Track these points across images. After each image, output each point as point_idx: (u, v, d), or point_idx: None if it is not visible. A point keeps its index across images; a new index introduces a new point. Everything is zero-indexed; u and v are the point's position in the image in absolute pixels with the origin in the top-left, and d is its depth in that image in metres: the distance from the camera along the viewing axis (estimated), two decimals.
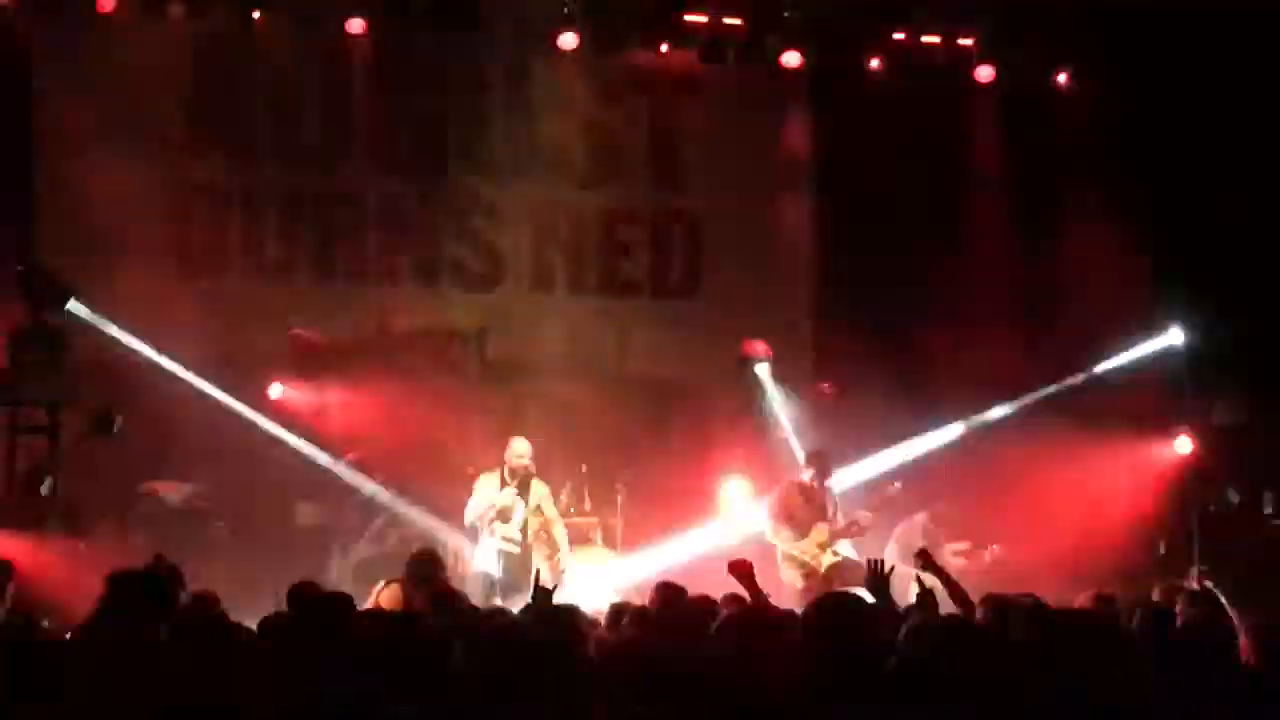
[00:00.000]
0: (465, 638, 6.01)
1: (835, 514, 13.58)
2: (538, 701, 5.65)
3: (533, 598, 7.90)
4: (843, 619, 5.93)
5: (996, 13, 16.46)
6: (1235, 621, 7.46)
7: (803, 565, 13.29)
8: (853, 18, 16.34)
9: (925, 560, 8.80)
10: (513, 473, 12.83)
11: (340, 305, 15.82)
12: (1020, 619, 7.82)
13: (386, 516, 14.47)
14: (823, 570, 13.23)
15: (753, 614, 7.38)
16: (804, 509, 13.46)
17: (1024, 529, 14.60)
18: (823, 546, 13.37)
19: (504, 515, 12.85)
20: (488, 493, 12.89)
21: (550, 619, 7.08)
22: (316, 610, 7.11)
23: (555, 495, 14.86)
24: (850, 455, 14.78)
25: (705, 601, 8.34)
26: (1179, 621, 7.84)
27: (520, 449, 12.84)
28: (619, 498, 14.71)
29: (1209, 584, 11.06)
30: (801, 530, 13.38)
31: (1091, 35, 15.95)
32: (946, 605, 8.35)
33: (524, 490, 12.89)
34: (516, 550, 12.82)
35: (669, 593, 8.60)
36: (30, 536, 12.20)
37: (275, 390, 14.76)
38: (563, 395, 15.62)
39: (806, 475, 13.74)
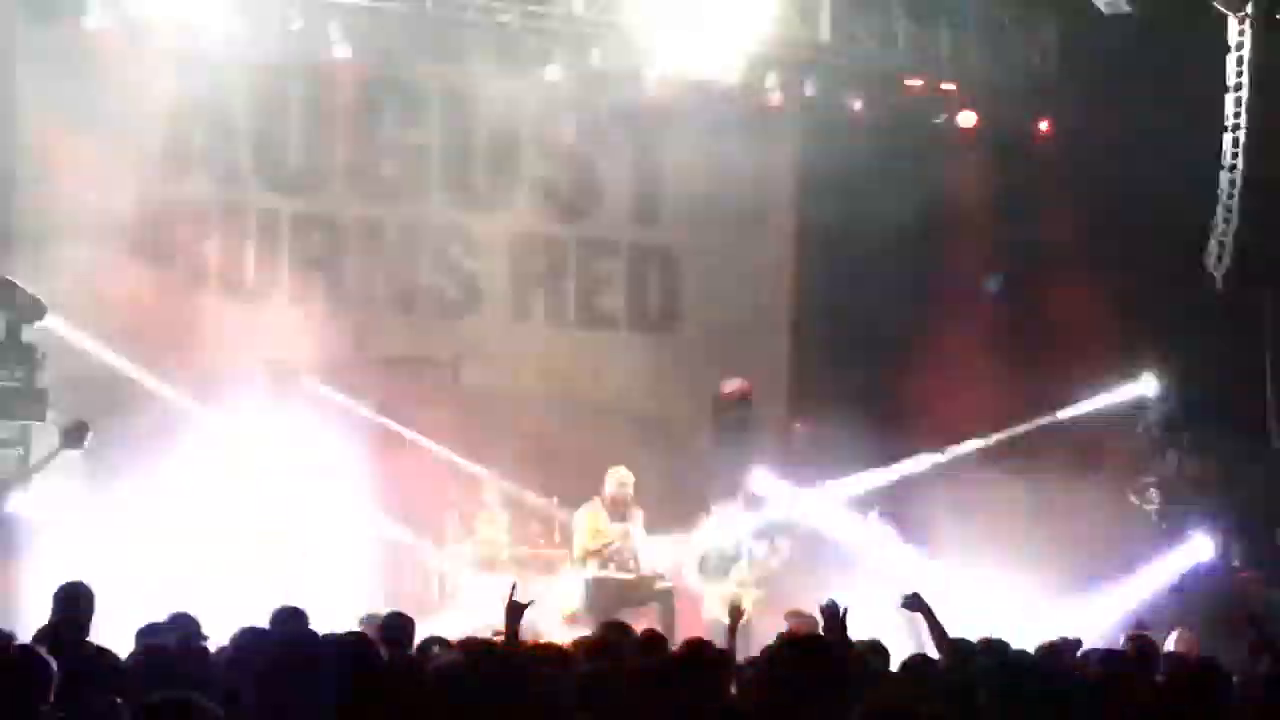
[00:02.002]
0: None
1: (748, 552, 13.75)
2: None
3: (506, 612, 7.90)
4: (805, 661, 5.93)
5: (979, 60, 16.54)
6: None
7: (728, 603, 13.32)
8: (837, 57, 16.39)
9: (914, 602, 8.78)
10: (614, 502, 13.50)
11: (317, 329, 15.77)
12: (984, 662, 7.89)
13: None
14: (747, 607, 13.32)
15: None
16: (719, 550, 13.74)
17: (991, 568, 14.66)
18: (744, 585, 13.47)
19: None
20: (591, 522, 13.57)
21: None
22: None
23: (523, 525, 14.99)
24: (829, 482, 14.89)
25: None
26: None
27: (621, 477, 13.52)
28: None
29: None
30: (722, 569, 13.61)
31: (1072, 85, 16.05)
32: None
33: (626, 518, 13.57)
34: (631, 577, 13.52)
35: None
36: None
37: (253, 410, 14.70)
38: (537, 426, 15.62)
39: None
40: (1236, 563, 15.36)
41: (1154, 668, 8.54)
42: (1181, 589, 10.72)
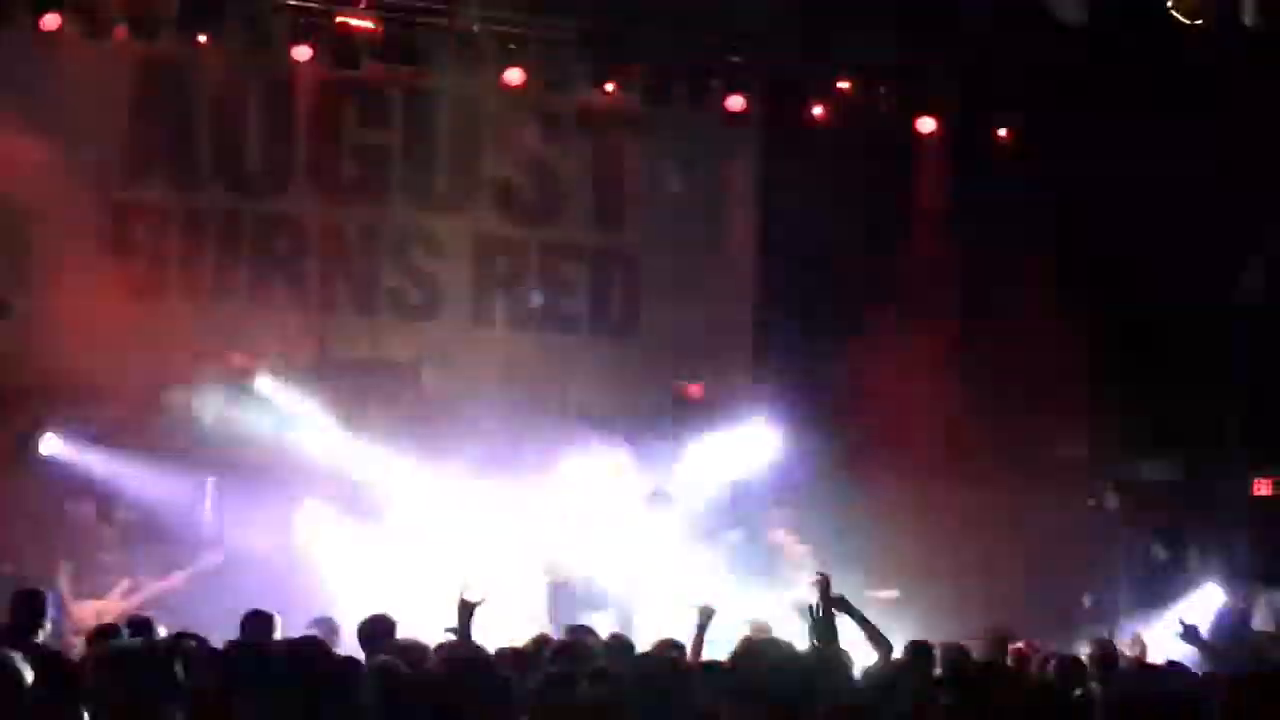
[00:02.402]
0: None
1: None
2: None
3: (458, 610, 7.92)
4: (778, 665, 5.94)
5: (940, 66, 16.58)
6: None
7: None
8: (798, 64, 16.42)
9: (841, 603, 8.84)
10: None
11: (278, 331, 15.71)
12: (946, 666, 7.95)
13: None
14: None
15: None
16: None
17: (951, 576, 14.72)
18: None
19: None
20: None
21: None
22: None
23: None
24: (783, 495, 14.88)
25: None
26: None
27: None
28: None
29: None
30: None
31: (1033, 93, 16.10)
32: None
33: None
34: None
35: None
36: None
37: (208, 414, 14.63)
38: (498, 429, 15.58)
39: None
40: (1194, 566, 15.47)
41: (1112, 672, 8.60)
42: (1209, 642, 10.71)
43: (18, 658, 6.14)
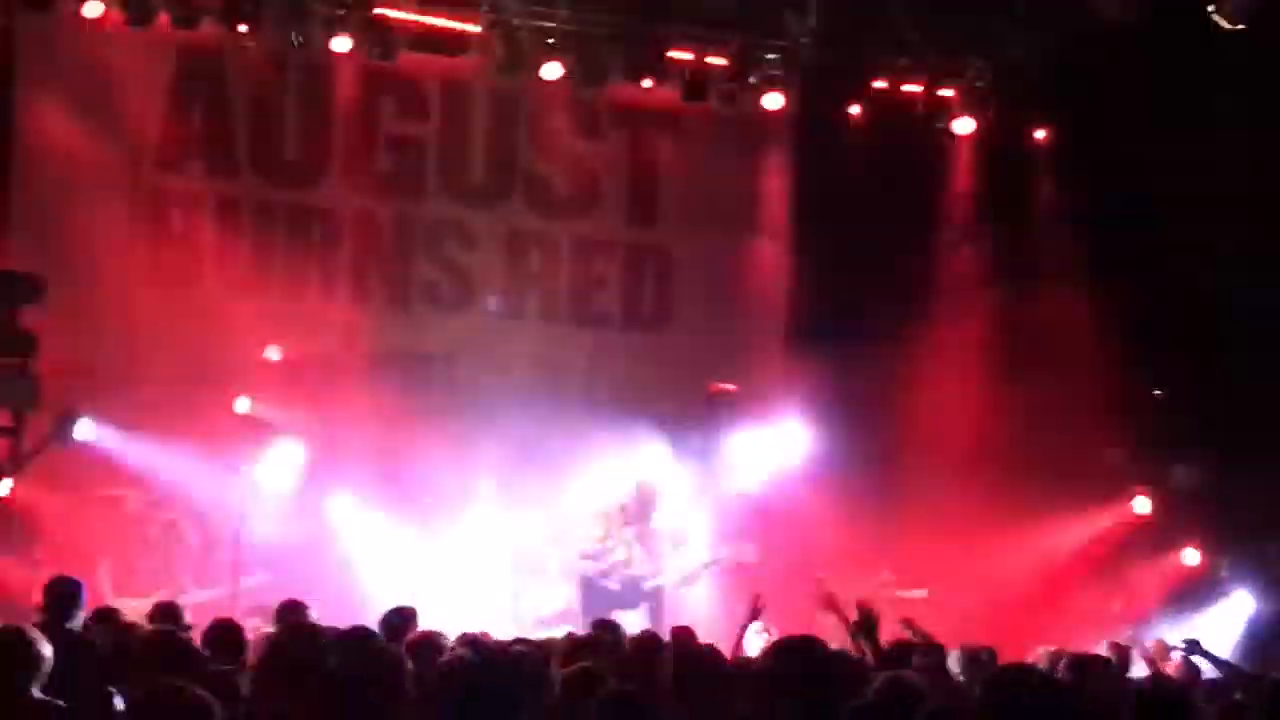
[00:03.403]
0: None
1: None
2: None
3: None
4: (808, 667, 5.91)
5: (978, 67, 16.55)
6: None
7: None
8: (836, 64, 16.40)
9: (828, 603, 8.87)
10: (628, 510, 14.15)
11: (312, 321, 15.75)
12: (974, 669, 7.96)
13: None
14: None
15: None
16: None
17: (982, 579, 14.71)
18: None
19: None
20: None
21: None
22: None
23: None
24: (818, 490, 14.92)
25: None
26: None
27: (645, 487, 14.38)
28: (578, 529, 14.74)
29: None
30: None
31: (1070, 96, 16.05)
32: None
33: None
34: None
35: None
36: None
37: (242, 404, 14.68)
38: (527, 422, 15.61)
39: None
40: (1225, 574, 15.41)
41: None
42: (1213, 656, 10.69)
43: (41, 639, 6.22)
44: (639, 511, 14.04)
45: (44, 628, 7.79)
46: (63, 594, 8.86)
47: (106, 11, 14.85)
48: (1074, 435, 15.23)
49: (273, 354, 14.89)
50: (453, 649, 8.29)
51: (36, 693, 6.12)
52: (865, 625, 8.04)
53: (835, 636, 8.23)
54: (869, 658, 8.05)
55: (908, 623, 9.56)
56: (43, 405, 13.48)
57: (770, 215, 17.00)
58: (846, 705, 5.83)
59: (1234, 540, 15.62)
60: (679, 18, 16.06)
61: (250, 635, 8.34)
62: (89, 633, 8.37)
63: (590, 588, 13.81)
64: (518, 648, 8.36)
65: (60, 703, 6.14)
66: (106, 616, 8.72)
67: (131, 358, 14.64)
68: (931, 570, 14.66)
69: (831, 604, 8.84)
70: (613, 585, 13.81)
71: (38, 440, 13.46)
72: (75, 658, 7.10)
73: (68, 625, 8.47)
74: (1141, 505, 15.49)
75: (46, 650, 6.19)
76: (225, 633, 8.08)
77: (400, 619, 9.18)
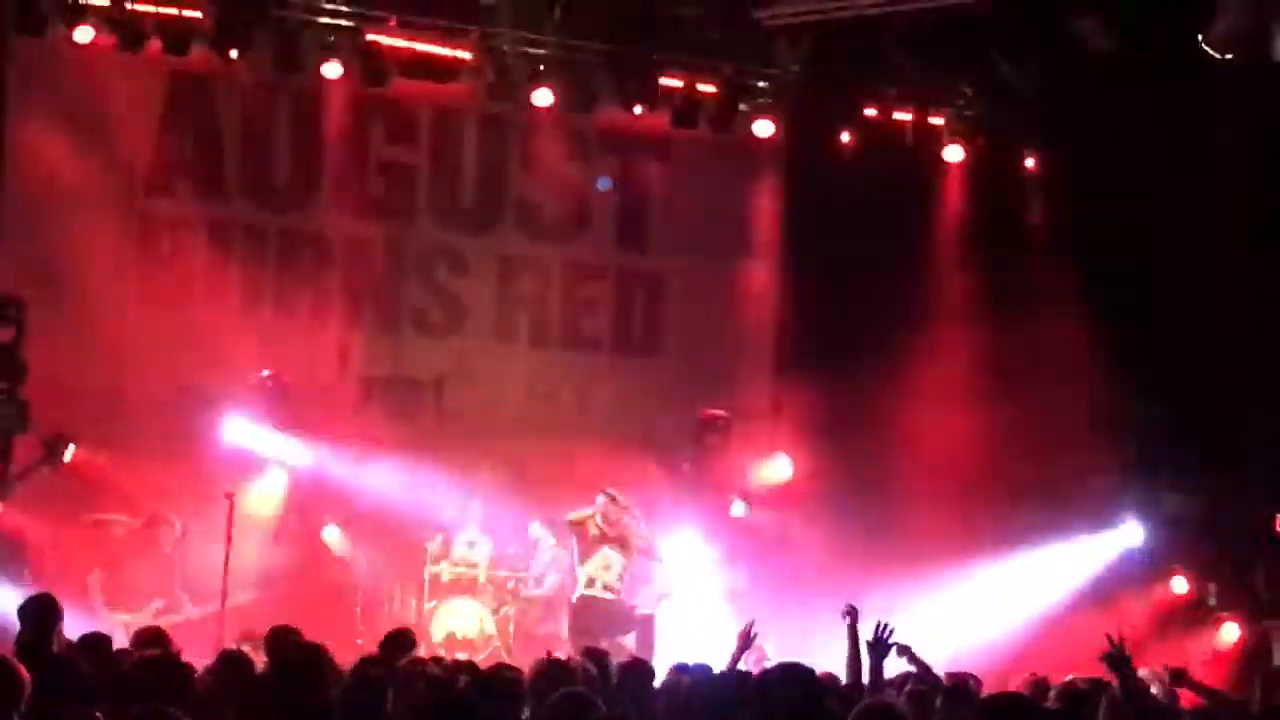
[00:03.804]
0: None
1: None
2: None
3: None
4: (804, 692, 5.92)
5: (968, 94, 16.60)
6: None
7: None
8: (826, 91, 16.45)
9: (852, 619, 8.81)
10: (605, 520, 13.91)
11: (302, 346, 15.75)
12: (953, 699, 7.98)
13: None
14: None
15: None
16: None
17: (971, 603, 14.71)
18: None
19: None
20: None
21: None
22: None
23: (503, 550, 15.04)
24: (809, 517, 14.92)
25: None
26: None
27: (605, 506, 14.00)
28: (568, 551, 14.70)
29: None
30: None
31: (1060, 122, 16.10)
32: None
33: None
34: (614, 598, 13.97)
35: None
36: None
37: (231, 428, 14.66)
38: (518, 448, 15.62)
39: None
40: (1213, 602, 15.43)
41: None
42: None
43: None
44: (629, 536, 13.99)
45: (25, 650, 7.80)
46: (36, 609, 8.78)
47: (98, 36, 14.88)
48: (1064, 462, 15.24)
49: (262, 378, 14.82)
50: (443, 673, 8.29)
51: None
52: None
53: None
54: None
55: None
56: (31, 429, 13.42)
57: (761, 241, 17.02)
58: None
59: (1221, 568, 15.62)
60: (670, 45, 16.08)
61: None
62: (73, 654, 8.32)
63: (579, 612, 13.77)
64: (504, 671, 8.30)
65: None
66: (94, 642, 8.67)
67: (120, 381, 14.64)
68: (920, 597, 14.62)
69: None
70: (602, 610, 13.77)
71: (26, 464, 13.42)
72: (57, 682, 7.08)
73: (46, 645, 8.41)
74: (1131, 533, 15.50)
75: (24, 676, 6.17)
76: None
77: (400, 642, 9.18)
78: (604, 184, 16.67)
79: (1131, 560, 15.34)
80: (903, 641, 9.07)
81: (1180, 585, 15.54)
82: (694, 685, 7.54)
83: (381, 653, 8.99)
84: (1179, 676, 10.02)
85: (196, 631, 11.93)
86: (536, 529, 15.07)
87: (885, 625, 8.17)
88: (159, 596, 13.34)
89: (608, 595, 13.87)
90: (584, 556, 13.95)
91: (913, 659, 9.42)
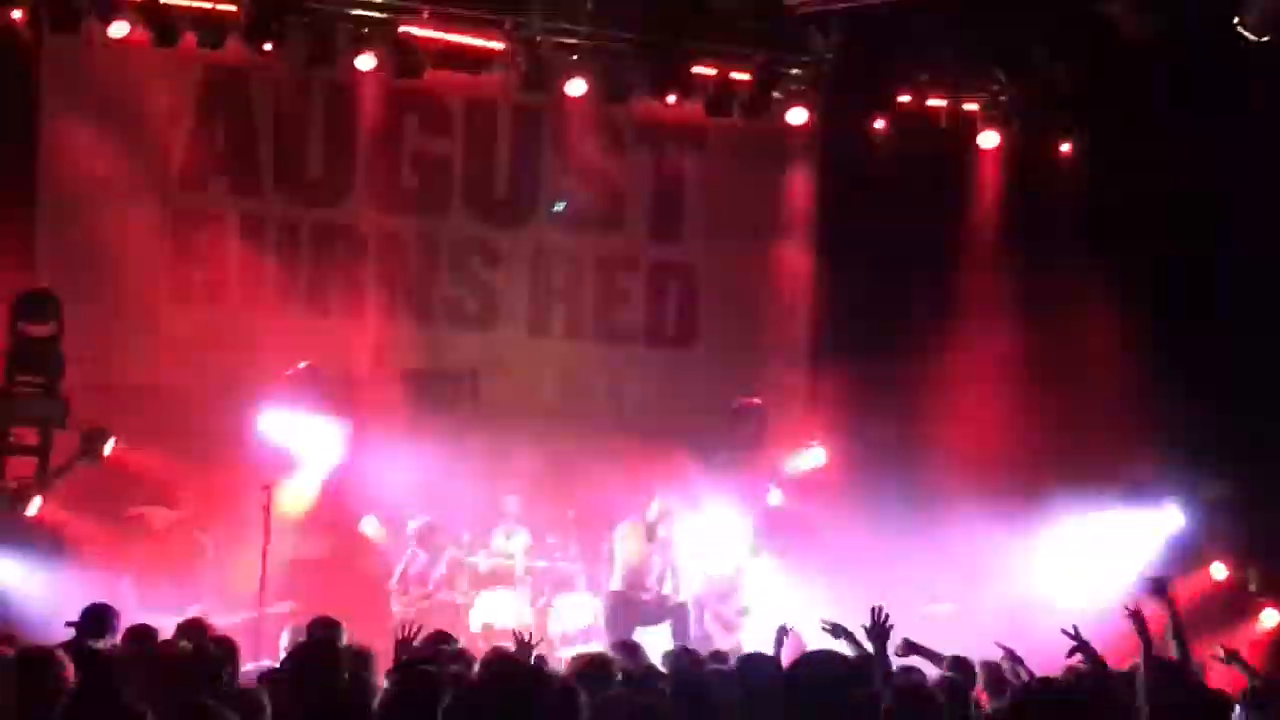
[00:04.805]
0: None
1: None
2: None
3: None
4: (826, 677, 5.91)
5: (1002, 80, 16.52)
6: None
7: None
8: (860, 78, 16.39)
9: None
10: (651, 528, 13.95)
11: (337, 339, 15.78)
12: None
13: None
14: None
15: None
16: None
17: (1007, 595, 14.64)
18: None
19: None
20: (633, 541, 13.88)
21: None
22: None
23: (541, 540, 15.04)
24: (844, 505, 14.87)
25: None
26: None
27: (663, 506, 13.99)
28: (605, 545, 14.70)
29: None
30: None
31: (1097, 108, 16.00)
32: None
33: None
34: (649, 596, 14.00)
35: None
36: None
37: (267, 422, 14.68)
38: (553, 440, 15.63)
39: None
40: (1253, 587, 15.34)
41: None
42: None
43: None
44: (663, 526, 13.99)
45: (71, 648, 7.84)
46: (95, 616, 8.91)
47: (132, 31, 14.90)
48: (1103, 450, 15.16)
49: (300, 370, 14.83)
50: (481, 667, 8.28)
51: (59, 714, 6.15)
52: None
53: None
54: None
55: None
56: (70, 423, 13.47)
57: (795, 229, 17.00)
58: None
59: (1261, 554, 15.54)
60: (702, 34, 16.04)
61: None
62: (120, 652, 8.37)
63: (617, 603, 13.77)
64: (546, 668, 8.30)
65: None
66: (141, 635, 8.72)
67: (155, 375, 14.70)
68: (957, 584, 14.59)
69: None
70: (639, 601, 13.77)
71: (65, 458, 13.47)
72: (105, 678, 7.12)
73: (97, 645, 8.50)
74: (1172, 518, 15.41)
75: (70, 672, 6.21)
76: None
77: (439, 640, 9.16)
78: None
79: (1171, 546, 15.24)
80: (909, 639, 9.17)
81: (1219, 571, 15.46)
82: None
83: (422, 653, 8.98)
84: (1233, 657, 10.01)
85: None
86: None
87: (881, 610, 8.18)
88: (195, 603, 13.34)
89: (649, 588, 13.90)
90: (634, 553, 13.93)
91: (920, 651, 9.41)
